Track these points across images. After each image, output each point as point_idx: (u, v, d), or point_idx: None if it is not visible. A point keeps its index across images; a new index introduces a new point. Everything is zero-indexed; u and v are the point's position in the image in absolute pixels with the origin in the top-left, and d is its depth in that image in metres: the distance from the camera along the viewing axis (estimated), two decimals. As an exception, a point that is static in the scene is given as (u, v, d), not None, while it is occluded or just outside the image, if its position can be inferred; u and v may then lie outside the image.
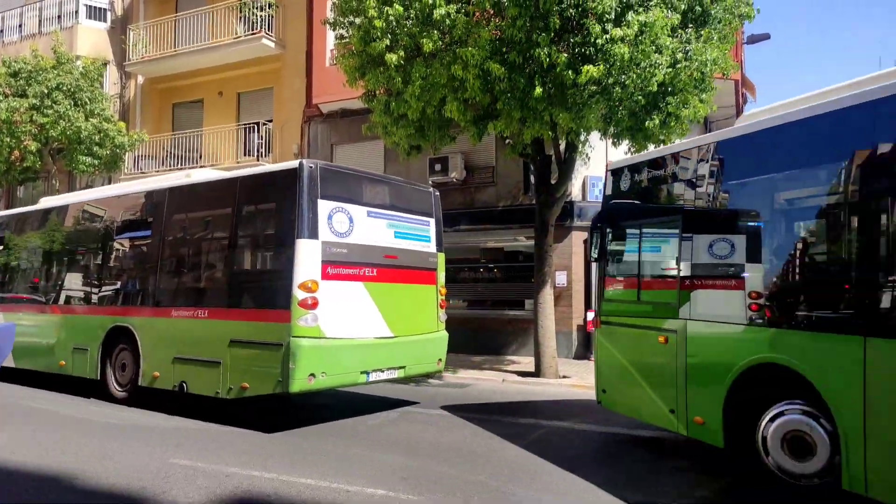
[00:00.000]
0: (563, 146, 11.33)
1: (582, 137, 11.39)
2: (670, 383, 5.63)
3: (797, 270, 4.92)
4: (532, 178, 12.82)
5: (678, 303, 5.59)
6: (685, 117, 9.92)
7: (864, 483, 4.05)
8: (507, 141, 11.85)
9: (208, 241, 8.34)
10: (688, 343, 5.47)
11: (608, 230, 6.82)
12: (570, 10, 8.86)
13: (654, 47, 8.72)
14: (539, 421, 7.59)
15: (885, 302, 4.03)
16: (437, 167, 14.34)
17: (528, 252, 13.56)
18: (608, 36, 8.57)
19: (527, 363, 12.27)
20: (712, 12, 9.89)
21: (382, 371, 7.56)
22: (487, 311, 14.94)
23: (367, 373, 7.36)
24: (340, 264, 7.13)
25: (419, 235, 8.37)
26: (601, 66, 8.60)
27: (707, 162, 5.65)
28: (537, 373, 11.10)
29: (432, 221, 8.65)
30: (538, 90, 8.91)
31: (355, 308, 7.26)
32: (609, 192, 6.94)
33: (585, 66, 8.60)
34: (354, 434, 6.96)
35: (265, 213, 7.76)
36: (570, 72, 8.81)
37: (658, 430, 6.24)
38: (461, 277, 15.36)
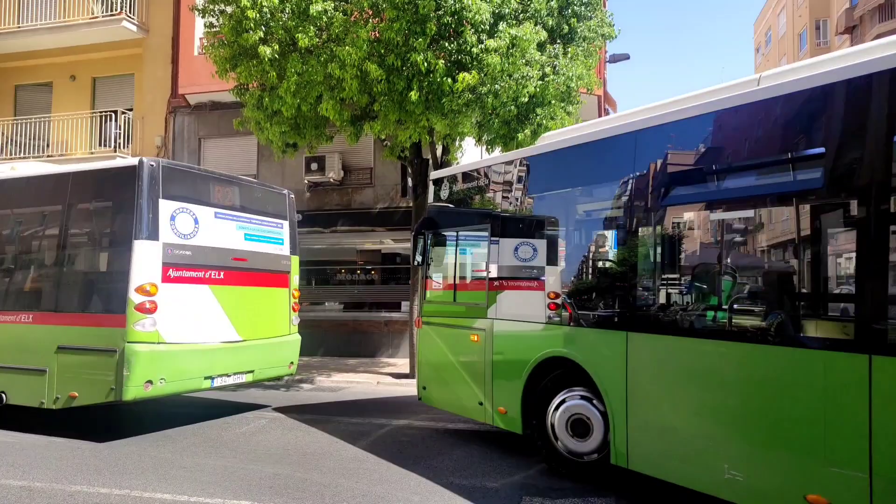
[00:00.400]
0: (439, 150, 11.52)
1: (457, 143, 11.65)
2: (480, 378, 6.19)
3: (579, 275, 5.59)
4: (410, 181, 12.94)
5: (487, 303, 6.17)
6: (553, 128, 10.47)
7: (626, 457, 4.75)
8: (385, 143, 11.85)
9: (36, 241, 7.69)
10: (494, 340, 6.05)
11: (430, 236, 7.20)
12: (448, 18, 9.05)
13: (524, 60, 9.12)
14: (389, 420, 7.67)
15: (642, 302, 4.82)
16: (314, 166, 14.03)
17: (406, 254, 13.64)
18: (483, 45, 8.85)
19: (402, 365, 12.33)
20: (578, 31, 10.54)
21: (229, 376, 7.39)
22: (364, 314, 14.84)
23: (212, 378, 7.19)
24: (183, 267, 6.94)
25: (271, 238, 8.27)
26: (475, 73, 8.86)
27: (514, 175, 6.29)
28: (412, 374, 11.19)
29: (286, 224, 8.57)
30: (415, 94, 9.00)
31: (200, 312, 7.08)
32: (432, 199, 7.32)
33: (461, 74, 8.82)
34: (217, 442, 6.62)
35: (101, 212, 7.33)
36: (447, 78, 8.98)
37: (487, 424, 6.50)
38: (337, 279, 15.16)
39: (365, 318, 14.71)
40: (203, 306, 7.12)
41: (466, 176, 6.98)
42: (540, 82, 9.52)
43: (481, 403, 6.16)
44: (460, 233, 6.96)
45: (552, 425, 5.37)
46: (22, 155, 16.13)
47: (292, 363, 8.41)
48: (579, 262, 5.63)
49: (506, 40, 8.83)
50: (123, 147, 15.89)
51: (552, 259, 5.67)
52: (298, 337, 8.58)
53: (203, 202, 7.32)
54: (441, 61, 8.95)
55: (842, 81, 3.69)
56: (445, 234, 7.13)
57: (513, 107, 9.43)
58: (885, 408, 3.33)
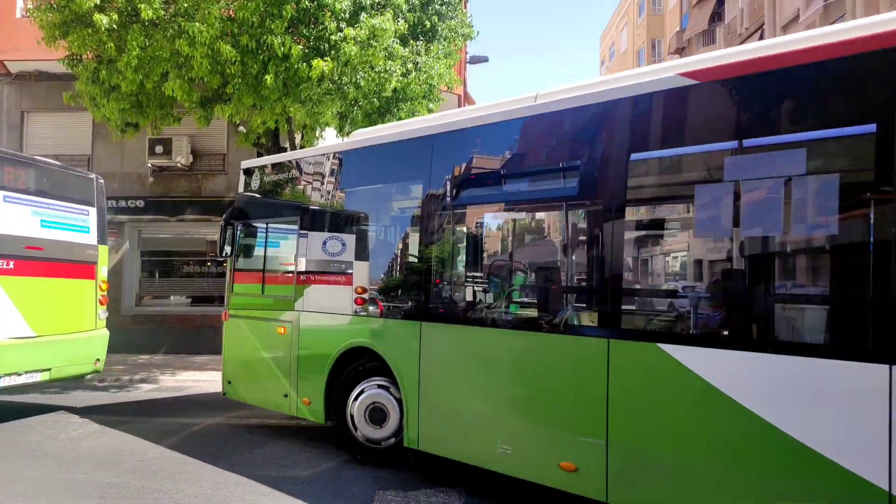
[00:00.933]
0: (298, 139, 11.20)
1: (318, 132, 11.39)
2: (286, 370, 6.25)
3: (382, 269, 5.80)
4: (266, 170, 12.44)
5: (294, 296, 6.21)
6: (413, 123, 10.61)
7: (417, 440, 5.06)
8: (240, 128, 11.30)
9: None
10: (300, 333, 6.12)
11: (239, 227, 7.09)
12: (307, 2, 8.80)
13: (384, 52, 9.12)
14: (200, 419, 7.33)
15: (434, 295, 5.20)
16: (159, 149, 12.99)
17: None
18: (342, 34, 8.72)
19: (255, 360, 11.86)
20: (439, 29, 10.75)
21: (20, 375, 6.79)
22: (214, 308, 14.06)
23: None
24: None
25: (74, 226, 7.67)
26: (331, 62, 8.70)
27: (325, 169, 6.38)
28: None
29: (93, 211, 7.98)
30: (270, 79, 8.66)
31: None
32: (241, 189, 7.26)
33: (316, 61, 8.61)
34: (36, 450, 5.95)
35: None
36: (304, 64, 8.74)
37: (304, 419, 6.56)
38: (185, 271, 14.22)
39: (214, 312, 13.94)
40: None
41: (278, 167, 6.94)
42: (403, 78, 9.58)
43: (286, 395, 6.21)
44: (270, 224, 6.91)
45: (352, 415, 5.56)
46: None
47: (98, 360, 7.86)
48: (382, 257, 5.79)
49: (365, 30, 8.77)
50: (-77, 116, 13.71)
51: (358, 254, 5.83)
52: (106, 332, 8.05)
53: None
54: (298, 46, 8.68)
55: (592, 105, 4.27)
56: (255, 225, 7.03)
57: (375, 100, 9.40)
58: (617, 385, 3.86)
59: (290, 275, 6.34)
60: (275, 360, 6.39)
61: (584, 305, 4.35)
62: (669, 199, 4.27)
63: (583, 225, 4.48)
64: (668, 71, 3.99)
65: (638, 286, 4.33)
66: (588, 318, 4.19)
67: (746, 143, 3.61)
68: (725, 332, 3.71)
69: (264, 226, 6.93)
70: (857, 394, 3.04)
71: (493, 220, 5.22)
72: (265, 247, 6.85)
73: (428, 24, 10.55)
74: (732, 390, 3.39)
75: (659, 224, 4.38)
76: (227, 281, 7.26)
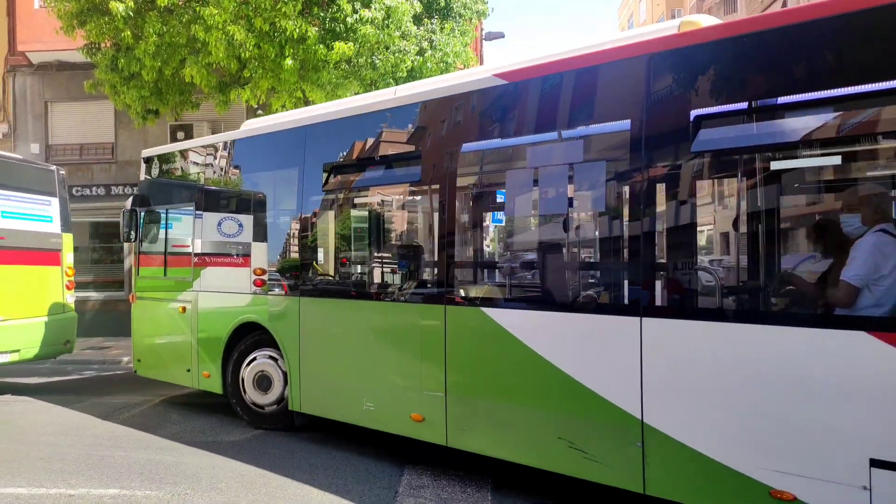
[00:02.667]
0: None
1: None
2: (187, 347, 6.68)
3: (270, 249, 6.06)
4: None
5: (192, 277, 6.64)
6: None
7: (300, 403, 5.57)
8: (258, 112, 11.36)
9: None
10: (199, 311, 6.55)
11: (142, 213, 7.40)
12: (320, -16, 8.77)
13: (399, 32, 9.06)
14: (145, 397, 7.56)
15: (310, 272, 5.67)
16: (180, 135, 13.12)
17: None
18: (357, 15, 8.68)
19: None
20: (454, 7, 10.62)
21: None
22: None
23: None
24: None
25: (36, 215, 8.04)
26: (352, 45, 8.68)
27: (218, 156, 6.74)
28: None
29: (55, 201, 8.31)
30: (288, 62, 8.67)
31: None
32: (143, 176, 7.55)
33: (337, 43, 8.60)
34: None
35: None
36: (321, 47, 8.73)
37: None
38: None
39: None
40: None
41: (176, 155, 7.26)
42: (418, 57, 9.52)
43: (189, 370, 6.65)
44: (170, 210, 7.21)
45: (243, 380, 6.07)
46: None
47: (68, 342, 8.25)
48: (269, 238, 6.08)
49: (381, 11, 8.71)
50: (-50, 109, 13.99)
51: (250, 235, 6.21)
52: (74, 315, 8.44)
53: None
54: (314, 28, 8.67)
55: (417, 103, 4.87)
56: (157, 211, 7.34)
57: (391, 80, 9.35)
58: (452, 344, 4.44)
59: (189, 257, 6.71)
60: (177, 338, 6.83)
61: (427, 278, 4.90)
62: (494, 185, 4.87)
63: (427, 208, 4.98)
64: (485, 73, 4.60)
65: (467, 260, 4.86)
66: (429, 288, 4.77)
67: (544, 136, 4.25)
68: (530, 296, 4.43)
69: (165, 212, 7.24)
70: (618, 341, 3.66)
71: (356, 205, 5.72)
72: (166, 231, 7.21)
73: (442, 2, 10.43)
74: (535, 344, 4.01)
75: (485, 206, 5.04)
76: (133, 265, 7.65)
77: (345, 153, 5.44)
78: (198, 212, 6.61)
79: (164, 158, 7.30)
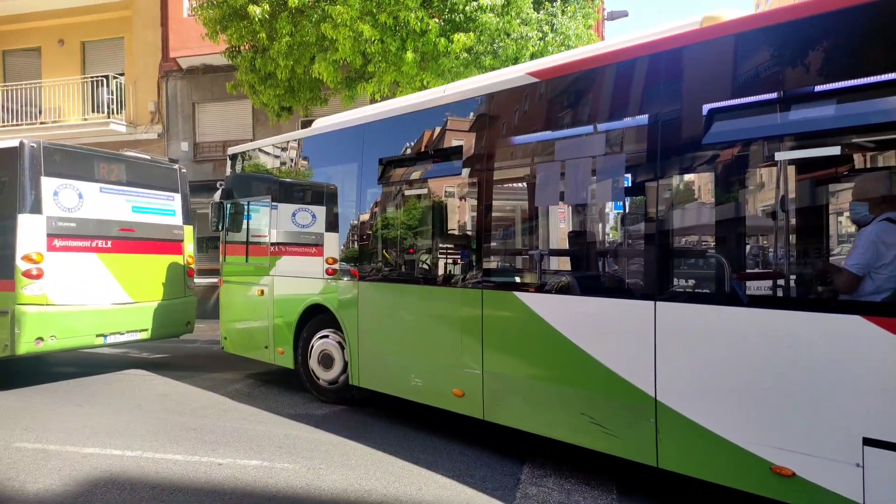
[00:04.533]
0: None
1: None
2: (265, 326, 7.37)
3: (336, 239, 6.46)
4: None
5: (269, 264, 7.28)
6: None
7: (358, 378, 6.08)
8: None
9: None
10: (274, 294, 7.20)
11: (228, 205, 8.06)
12: (440, -25, 8.83)
13: (519, 19, 8.92)
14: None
15: (368, 258, 6.10)
16: (309, 130, 13.86)
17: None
18: (476, 4, 8.65)
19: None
20: (575, -13, 10.30)
21: (122, 334, 8.22)
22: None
23: (105, 336, 8.03)
24: (69, 237, 7.72)
25: (162, 209, 8.96)
26: (472, 35, 8.68)
27: (293, 153, 7.30)
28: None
29: (178, 196, 9.16)
30: (410, 55, 8.84)
31: (88, 277, 7.87)
32: (229, 172, 8.20)
33: (456, 35, 8.64)
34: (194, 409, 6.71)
35: None
36: (442, 39, 8.81)
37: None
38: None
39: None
40: (91, 272, 7.92)
41: (256, 152, 7.86)
42: (540, 41, 9.34)
43: (267, 347, 7.33)
44: (251, 202, 7.84)
45: (309, 357, 6.70)
46: (15, 122, 15.94)
47: (189, 323, 9.17)
48: (336, 228, 6.50)
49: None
50: (117, 112, 15.69)
51: (321, 227, 6.69)
52: (194, 299, 9.35)
53: (87, 178, 8.01)
54: (434, 20, 8.75)
55: (459, 101, 5.19)
56: (241, 203, 7.97)
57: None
58: (487, 325, 4.78)
59: (265, 246, 7.40)
60: (256, 319, 7.53)
61: (466, 265, 5.16)
62: (518, 179, 5.05)
63: (467, 200, 5.29)
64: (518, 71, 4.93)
65: (501, 248, 5.13)
66: (468, 273, 5.05)
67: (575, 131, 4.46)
68: (557, 282, 4.61)
69: (247, 204, 7.90)
70: (634, 323, 3.87)
71: (406, 198, 6.00)
72: (248, 221, 7.88)
73: (563, -17, 10.15)
74: (560, 325, 4.29)
75: (519, 199, 5.13)
76: (220, 252, 8.43)
77: (396, 149, 5.85)
78: (273, 203, 7.29)
79: (246, 155, 8.00)
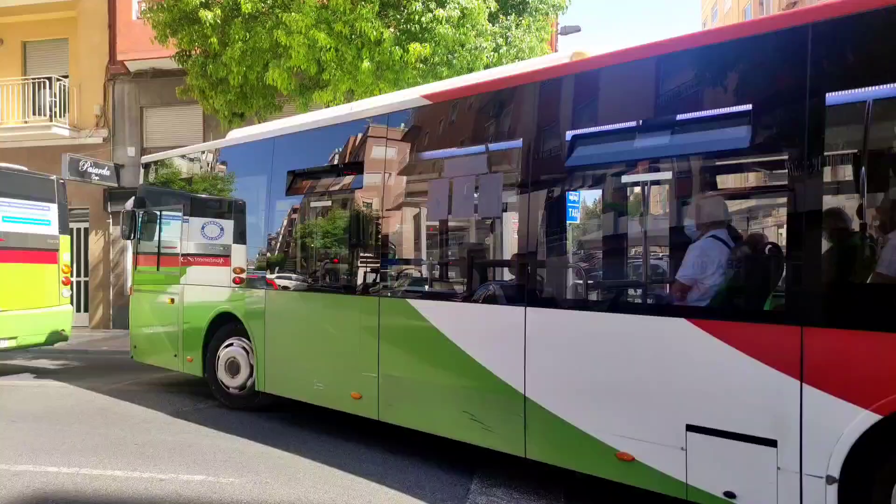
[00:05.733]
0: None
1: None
2: (174, 334, 7.51)
3: (245, 249, 6.76)
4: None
5: (180, 273, 7.40)
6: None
7: (264, 383, 6.35)
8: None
9: None
10: (184, 302, 7.33)
11: (140, 214, 8.18)
12: (397, -15, 8.85)
13: (475, 31, 9.02)
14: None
15: (273, 267, 6.48)
16: (263, 137, 13.64)
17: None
18: (432, 15, 8.70)
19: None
20: (530, 2, 10.47)
21: None
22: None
23: None
24: None
25: (36, 220, 9.03)
26: (428, 46, 8.72)
27: (206, 163, 7.54)
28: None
29: (54, 207, 9.26)
30: (366, 64, 8.81)
31: None
32: (142, 181, 8.34)
33: (412, 45, 8.66)
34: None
35: None
36: (397, 48, 8.82)
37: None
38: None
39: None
40: None
41: (169, 162, 8.00)
42: (494, 53, 9.45)
43: (176, 355, 7.48)
44: (163, 212, 7.93)
45: (217, 365, 6.89)
46: (-53, 123, 15.17)
47: (63, 331, 9.26)
48: (245, 239, 6.75)
49: (456, 11, 8.70)
50: (60, 116, 15.11)
51: (229, 237, 6.94)
52: (70, 308, 9.46)
53: None
54: (389, 30, 8.76)
55: (357, 121, 5.61)
56: (153, 212, 8.08)
57: (466, 78, 9.33)
58: (384, 330, 5.14)
59: (176, 257, 7.49)
60: (167, 327, 7.64)
61: (365, 274, 5.54)
62: (421, 194, 5.46)
63: (365, 213, 5.64)
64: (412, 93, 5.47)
65: (397, 258, 5.57)
66: (366, 282, 5.46)
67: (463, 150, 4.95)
68: (445, 290, 5.28)
69: (159, 213, 7.98)
70: (507, 327, 4.29)
71: (310, 211, 6.41)
72: (158, 231, 7.96)
73: (518, -3, 10.31)
74: (448, 330, 4.68)
75: (407, 211, 5.59)
76: (132, 261, 8.65)
77: (304, 163, 6.21)
78: (184, 212, 7.42)
79: (160, 164, 8.08)
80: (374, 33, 8.68)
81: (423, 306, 4.88)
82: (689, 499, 3.50)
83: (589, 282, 4.31)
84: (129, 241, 8.54)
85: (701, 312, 3.55)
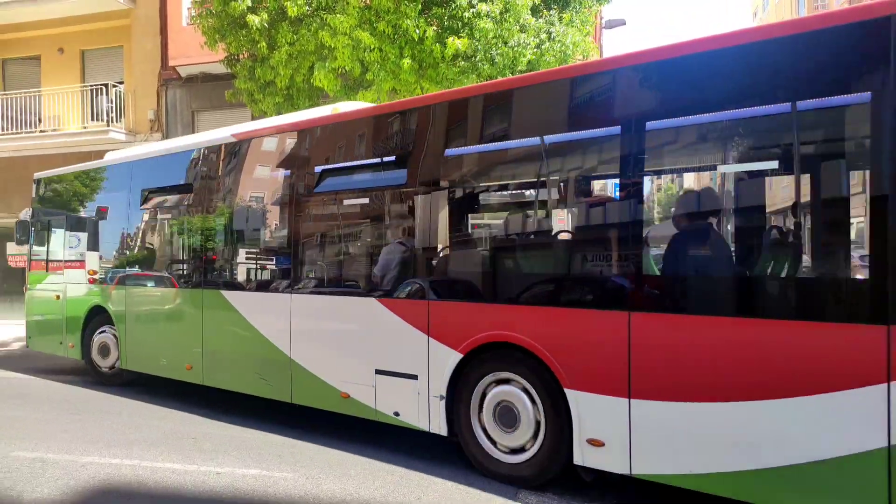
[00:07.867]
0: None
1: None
2: (59, 324, 8.94)
3: (108, 255, 8.40)
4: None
5: (63, 273, 8.90)
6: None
7: (126, 361, 7.82)
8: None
9: None
10: (67, 297, 8.76)
11: (33, 223, 9.45)
12: (439, -17, 8.86)
13: (517, 26, 8.95)
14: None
15: (125, 267, 8.15)
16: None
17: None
18: (475, 10, 8.68)
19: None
20: (573, -4, 10.34)
21: None
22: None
23: None
24: None
25: None
26: (466, 39, 8.70)
27: (89, 181, 8.80)
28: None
29: None
30: (406, 62, 8.86)
31: None
32: (34, 195, 9.50)
33: (450, 39, 8.65)
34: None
35: None
36: (438, 45, 8.83)
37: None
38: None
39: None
40: None
41: (54, 179, 9.27)
42: (537, 49, 9.38)
43: (61, 343, 8.86)
44: (50, 222, 9.23)
45: (91, 349, 8.31)
46: (14, 130, 15.95)
47: None
48: (104, 244, 8.44)
49: (498, 5, 8.66)
50: (116, 121, 15.72)
51: (91, 246, 8.55)
52: None
53: None
54: (432, 28, 8.79)
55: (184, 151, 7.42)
56: (45, 222, 9.32)
57: (510, 74, 9.28)
58: (206, 314, 6.77)
59: (61, 260, 8.96)
60: (54, 319, 9.03)
61: (190, 272, 7.23)
62: (227, 213, 6.91)
63: (190, 227, 7.24)
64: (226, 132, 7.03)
65: (214, 257, 7.04)
66: (193, 278, 7.10)
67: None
68: (244, 281, 6.74)
69: (49, 223, 9.25)
70: (281, 309, 5.99)
71: (156, 223, 7.95)
72: (48, 238, 9.27)
73: (561, -9, 10.20)
74: (246, 312, 6.34)
75: (219, 226, 6.98)
76: (27, 265, 9.91)
77: (151, 183, 7.70)
78: (65, 222, 8.89)
79: (47, 181, 9.35)
80: (416, 32, 8.72)
81: (230, 295, 6.53)
82: (378, 419, 5.18)
83: (321, 275, 6.03)
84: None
85: (382, 294, 5.27)
